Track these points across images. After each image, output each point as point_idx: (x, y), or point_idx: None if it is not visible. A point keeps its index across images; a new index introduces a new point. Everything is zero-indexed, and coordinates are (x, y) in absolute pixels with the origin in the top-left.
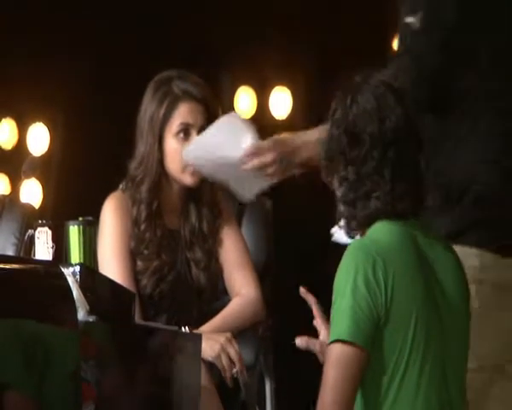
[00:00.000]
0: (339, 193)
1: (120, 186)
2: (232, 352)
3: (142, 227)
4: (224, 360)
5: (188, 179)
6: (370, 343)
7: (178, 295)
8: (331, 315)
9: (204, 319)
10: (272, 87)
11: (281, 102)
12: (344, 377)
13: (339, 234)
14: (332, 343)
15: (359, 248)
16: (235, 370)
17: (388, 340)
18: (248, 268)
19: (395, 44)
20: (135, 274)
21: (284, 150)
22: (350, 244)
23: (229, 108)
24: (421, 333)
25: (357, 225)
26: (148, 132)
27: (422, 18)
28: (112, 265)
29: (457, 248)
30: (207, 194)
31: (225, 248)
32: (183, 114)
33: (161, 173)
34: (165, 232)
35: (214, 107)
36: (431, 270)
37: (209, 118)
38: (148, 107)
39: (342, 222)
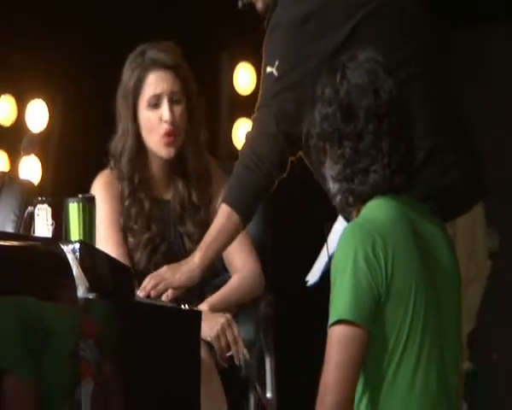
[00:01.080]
0: (333, 171)
1: (109, 165)
2: (230, 334)
3: (127, 203)
4: (223, 342)
5: (163, 151)
6: (371, 321)
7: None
8: (331, 296)
9: (204, 296)
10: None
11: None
12: (346, 357)
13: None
14: (334, 324)
15: (357, 228)
16: (230, 353)
17: (389, 317)
18: (246, 244)
19: None
20: (129, 252)
21: None
22: (347, 225)
23: (228, 84)
24: (420, 308)
25: (354, 201)
26: (122, 106)
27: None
28: (105, 242)
29: None
30: (192, 162)
31: None
32: (152, 84)
33: (140, 145)
34: (154, 204)
35: (185, 71)
36: (425, 245)
37: (180, 83)
38: (123, 80)
39: (337, 199)
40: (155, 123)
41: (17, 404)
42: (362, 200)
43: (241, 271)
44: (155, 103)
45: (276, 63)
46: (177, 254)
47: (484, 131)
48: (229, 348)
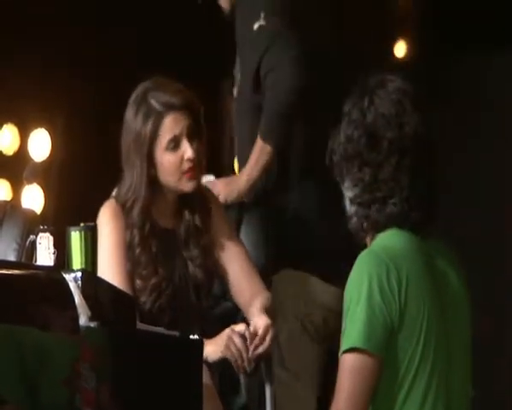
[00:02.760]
0: (351, 193)
1: (113, 194)
2: (238, 340)
3: (137, 251)
4: (234, 349)
5: (186, 186)
6: (384, 350)
7: (177, 307)
8: (343, 323)
9: (205, 325)
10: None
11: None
12: (358, 385)
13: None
14: (346, 351)
15: (371, 256)
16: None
17: (401, 345)
18: (256, 279)
19: (397, 52)
20: (134, 292)
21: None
22: (361, 253)
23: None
24: (431, 337)
25: (369, 227)
26: (134, 154)
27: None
28: (110, 269)
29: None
30: (198, 195)
31: (228, 260)
32: (169, 128)
33: (153, 190)
34: (160, 236)
35: (196, 107)
36: (437, 276)
37: (193, 119)
38: (132, 127)
39: (352, 221)
40: (177, 163)
41: None
42: (376, 228)
43: (261, 294)
44: (175, 144)
45: None
46: (181, 293)
47: (487, 150)
48: (241, 354)
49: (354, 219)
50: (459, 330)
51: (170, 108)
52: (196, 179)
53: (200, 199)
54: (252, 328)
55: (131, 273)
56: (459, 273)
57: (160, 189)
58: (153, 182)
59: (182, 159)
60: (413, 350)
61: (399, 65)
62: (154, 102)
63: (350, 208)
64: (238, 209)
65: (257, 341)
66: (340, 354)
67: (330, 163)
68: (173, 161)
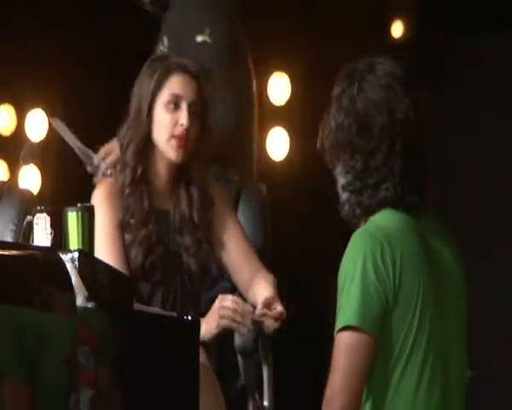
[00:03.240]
0: (343, 180)
1: (108, 171)
2: (228, 303)
3: (126, 192)
4: (226, 312)
5: (171, 153)
6: (379, 328)
7: (170, 267)
8: (338, 302)
9: (199, 307)
10: (271, 73)
11: (280, 88)
12: (353, 363)
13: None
14: (341, 330)
15: (365, 235)
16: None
17: (395, 323)
18: (254, 258)
19: (395, 30)
20: (125, 250)
21: None
22: (356, 231)
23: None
24: (426, 316)
25: (362, 213)
26: (138, 101)
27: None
28: (105, 254)
29: None
30: (197, 175)
31: (226, 240)
32: (174, 84)
33: (148, 142)
34: (153, 209)
35: (206, 85)
36: (432, 255)
37: (201, 95)
38: (141, 78)
39: (345, 208)
40: (170, 124)
41: (14, 408)
42: (369, 213)
43: (264, 275)
44: (174, 104)
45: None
46: (174, 260)
47: (486, 134)
48: (239, 315)
49: (346, 206)
50: (455, 308)
51: (181, 68)
52: (183, 151)
53: (202, 191)
54: (263, 299)
55: (122, 229)
56: (454, 251)
57: (153, 151)
58: (148, 134)
59: (176, 122)
60: (408, 329)
61: (396, 45)
62: (169, 62)
63: (342, 195)
64: (236, 188)
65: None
66: (335, 333)
67: (321, 149)
68: (168, 120)
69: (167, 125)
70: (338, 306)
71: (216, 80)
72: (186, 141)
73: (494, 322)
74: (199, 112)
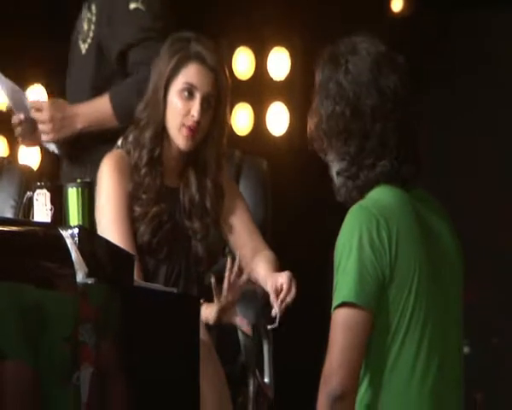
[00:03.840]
0: (338, 166)
1: (118, 144)
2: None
3: (143, 171)
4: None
5: (180, 141)
6: (375, 304)
7: (176, 246)
8: (335, 278)
9: (202, 284)
10: (271, 48)
11: (279, 63)
12: (351, 339)
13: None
14: (338, 307)
15: (361, 211)
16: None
17: (392, 299)
18: (258, 237)
19: (394, 6)
20: (133, 222)
21: (58, 114)
22: (351, 208)
23: (227, 68)
24: (423, 291)
25: (358, 193)
26: (156, 83)
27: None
28: (111, 227)
29: None
30: (209, 164)
31: (228, 210)
32: (190, 73)
33: (164, 125)
34: (164, 187)
35: (224, 78)
36: (428, 230)
37: (217, 88)
38: (161, 60)
39: (341, 192)
40: (182, 112)
41: (16, 387)
42: (366, 191)
43: (265, 253)
44: (188, 93)
45: None
46: (181, 234)
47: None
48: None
49: (343, 191)
50: (452, 283)
51: (198, 57)
52: (192, 141)
53: (214, 181)
54: (272, 287)
55: (132, 200)
56: (449, 224)
57: (167, 135)
58: (163, 121)
59: (188, 112)
60: (404, 305)
61: (396, 19)
62: (190, 48)
63: (337, 180)
64: (237, 163)
65: (283, 294)
66: (332, 309)
67: (311, 139)
68: (180, 107)
69: (179, 113)
70: (334, 282)
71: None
72: (195, 132)
73: (496, 300)
74: (213, 104)
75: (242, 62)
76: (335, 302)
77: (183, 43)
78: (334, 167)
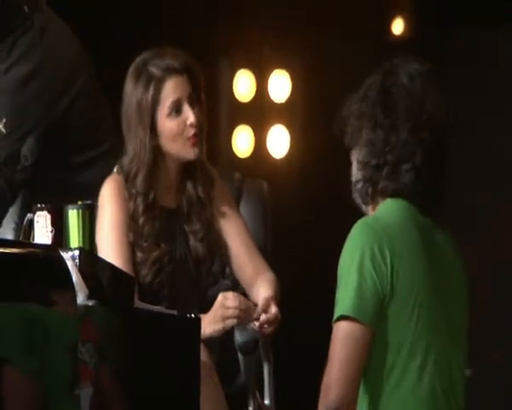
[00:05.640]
0: (360, 154)
1: (115, 169)
2: (230, 303)
3: (141, 221)
4: (230, 313)
5: (189, 153)
6: (375, 321)
7: (178, 284)
8: (337, 294)
9: (203, 304)
10: (271, 71)
11: (280, 85)
12: (350, 354)
13: None
14: (337, 320)
15: (364, 227)
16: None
17: (394, 317)
18: (258, 255)
19: (395, 27)
20: (135, 265)
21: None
22: (355, 224)
23: (228, 91)
24: (426, 312)
25: (374, 192)
26: (137, 123)
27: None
28: (111, 250)
29: None
30: (200, 166)
31: (229, 234)
32: (170, 92)
33: (157, 160)
34: (163, 215)
35: (196, 72)
36: (432, 249)
37: (193, 85)
38: (133, 96)
39: (358, 186)
40: (180, 129)
41: (17, 400)
42: (383, 195)
43: (266, 275)
44: (176, 110)
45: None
46: (182, 270)
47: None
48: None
49: (360, 185)
50: (456, 303)
51: (170, 71)
52: (199, 146)
53: (203, 171)
54: (261, 308)
55: (133, 246)
56: (454, 245)
57: (162, 163)
58: (156, 152)
59: (184, 125)
60: (406, 322)
61: (397, 42)
62: (153, 70)
63: (357, 173)
64: (237, 185)
65: (266, 320)
66: (332, 322)
67: (338, 128)
68: (176, 127)
69: (178, 132)
70: (336, 297)
71: None
72: (199, 137)
73: (495, 315)
74: (197, 100)
75: (243, 85)
76: (335, 316)
77: (144, 69)
78: (357, 157)
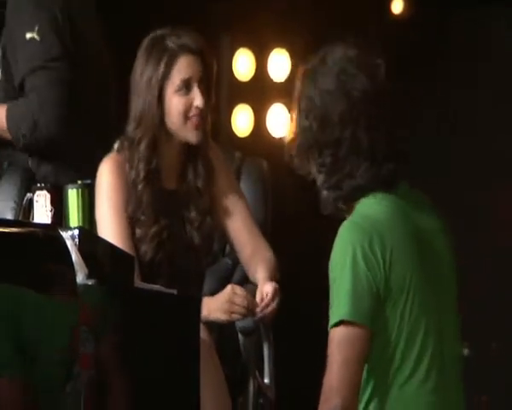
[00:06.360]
0: (318, 181)
1: (115, 147)
2: (239, 300)
3: (140, 187)
4: (238, 310)
5: (191, 135)
6: (373, 320)
7: (177, 260)
8: (331, 296)
9: (202, 283)
10: (271, 49)
11: (280, 64)
12: (350, 357)
13: None
14: (335, 325)
15: (353, 227)
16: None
17: (389, 313)
18: (257, 233)
19: (394, 8)
20: (135, 243)
21: None
22: (343, 224)
23: (228, 70)
24: (420, 308)
25: (345, 202)
26: (146, 92)
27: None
28: (110, 228)
29: None
30: (202, 148)
31: (230, 213)
32: (182, 69)
33: (161, 131)
34: (162, 194)
35: (210, 58)
36: (422, 236)
37: (206, 70)
38: (145, 67)
39: (327, 205)
40: (185, 108)
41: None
42: (353, 200)
43: (264, 254)
44: (186, 87)
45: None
46: (181, 247)
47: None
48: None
49: (328, 204)
50: (448, 291)
51: (185, 49)
52: (202, 130)
53: (204, 159)
54: (259, 294)
55: (132, 223)
56: (441, 224)
57: (166, 141)
58: (161, 126)
59: (191, 105)
60: (401, 317)
61: (396, 21)
62: (170, 44)
63: (322, 193)
64: (237, 164)
65: (265, 303)
66: (329, 327)
67: (290, 157)
68: (182, 104)
69: (182, 110)
70: (330, 300)
71: None
72: (203, 120)
73: (494, 304)
74: (208, 86)
75: (243, 64)
76: (332, 320)
77: (161, 43)
78: (317, 182)
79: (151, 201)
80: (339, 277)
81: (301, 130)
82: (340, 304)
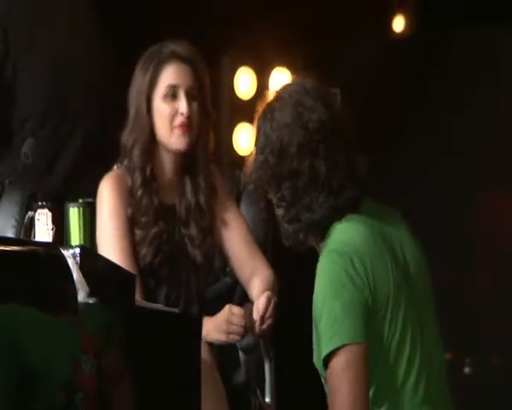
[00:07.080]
0: (279, 214)
1: (115, 166)
2: (236, 320)
3: (139, 193)
4: (235, 330)
5: (176, 143)
6: (369, 334)
7: (176, 266)
8: (316, 330)
9: (204, 303)
10: (272, 68)
11: (281, 82)
12: (358, 376)
13: None
14: (332, 352)
15: (333, 256)
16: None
17: (378, 329)
18: (256, 252)
19: (395, 26)
20: (134, 247)
21: None
22: (322, 255)
23: (229, 88)
24: (404, 318)
25: (307, 236)
26: (136, 99)
27: None
28: (111, 246)
29: None
30: (202, 163)
31: (230, 233)
32: (169, 75)
33: (152, 139)
34: (162, 209)
35: (201, 68)
36: (394, 248)
37: (197, 79)
38: (137, 76)
39: (289, 239)
40: (171, 115)
41: None
42: (316, 233)
43: (263, 273)
44: (172, 95)
45: None
46: (180, 254)
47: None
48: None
49: (289, 236)
50: (424, 292)
51: (174, 56)
52: (188, 138)
53: (205, 173)
54: (255, 310)
55: (132, 225)
56: (410, 234)
57: (158, 151)
58: (151, 131)
59: (176, 112)
60: (388, 332)
61: (397, 39)
62: (160, 52)
63: (282, 226)
64: (238, 184)
65: (260, 318)
66: (323, 356)
67: (250, 192)
68: (168, 112)
69: (167, 117)
70: (316, 334)
71: None
72: (188, 127)
73: (496, 319)
74: (197, 95)
75: (244, 82)
76: (332, 346)
77: (154, 53)
78: (278, 215)
79: (150, 204)
80: (328, 307)
81: (258, 166)
82: (338, 332)
